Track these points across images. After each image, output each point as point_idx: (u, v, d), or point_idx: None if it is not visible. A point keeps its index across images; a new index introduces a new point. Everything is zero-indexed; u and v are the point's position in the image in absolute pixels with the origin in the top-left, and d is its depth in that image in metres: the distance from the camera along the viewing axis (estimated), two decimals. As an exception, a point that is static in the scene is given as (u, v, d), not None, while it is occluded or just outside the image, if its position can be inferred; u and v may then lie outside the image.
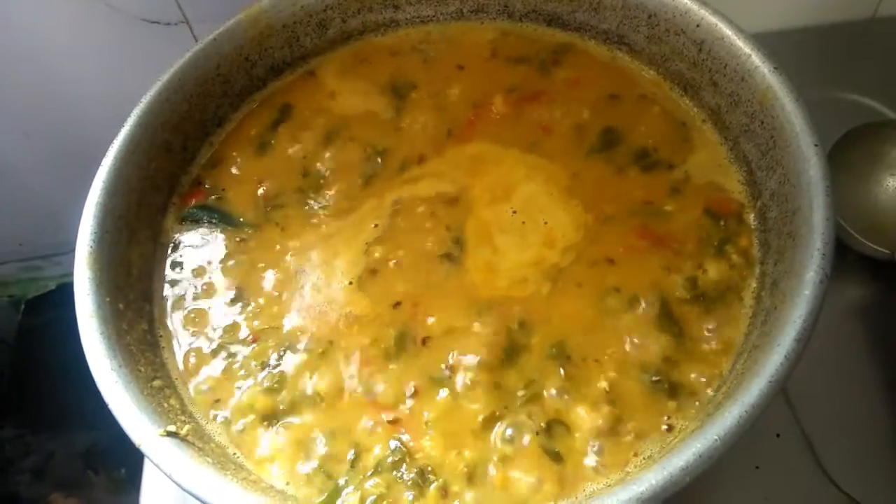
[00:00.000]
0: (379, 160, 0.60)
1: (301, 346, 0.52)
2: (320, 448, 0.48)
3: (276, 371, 0.51)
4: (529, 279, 0.53)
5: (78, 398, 0.53)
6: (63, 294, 0.50)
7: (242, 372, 0.51)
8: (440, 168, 0.59)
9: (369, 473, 0.46)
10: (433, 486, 0.46)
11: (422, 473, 0.46)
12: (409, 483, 0.46)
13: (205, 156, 0.62)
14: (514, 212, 0.56)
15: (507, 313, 0.51)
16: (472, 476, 0.46)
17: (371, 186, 0.59)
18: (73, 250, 0.51)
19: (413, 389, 0.49)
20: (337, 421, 0.49)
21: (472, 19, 0.67)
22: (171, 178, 0.60)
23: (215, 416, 0.50)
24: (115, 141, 0.55)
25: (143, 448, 0.43)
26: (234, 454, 0.48)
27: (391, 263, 0.54)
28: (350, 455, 0.47)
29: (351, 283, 0.54)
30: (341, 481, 0.46)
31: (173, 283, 0.56)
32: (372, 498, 0.45)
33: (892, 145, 0.70)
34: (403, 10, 0.66)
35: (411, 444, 0.47)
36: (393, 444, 0.47)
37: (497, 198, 0.57)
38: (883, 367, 0.63)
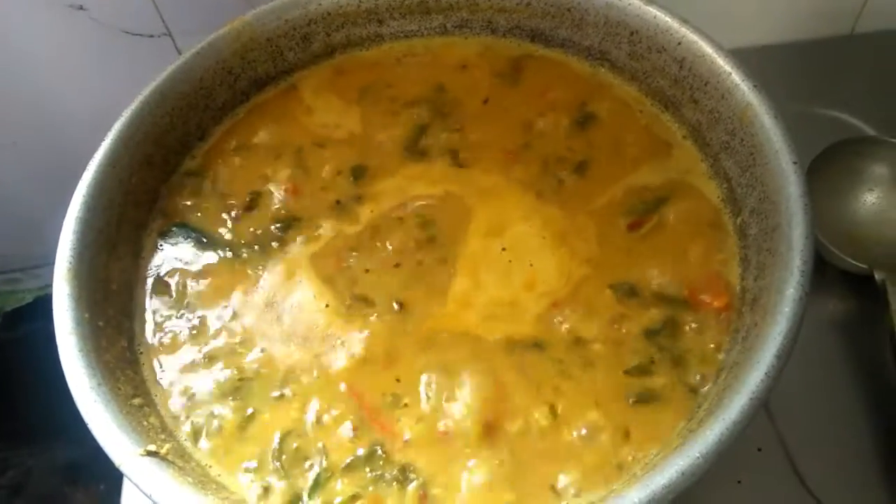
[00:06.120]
0: (353, 178, 0.60)
1: (279, 362, 0.51)
2: (295, 458, 0.48)
3: (252, 386, 0.51)
4: (501, 317, 0.52)
5: (57, 412, 0.52)
6: (41, 306, 0.49)
7: (220, 388, 0.51)
8: (427, 190, 0.59)
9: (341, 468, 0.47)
10: (413, 484, 0.46)
11: (403, 471, 0.46)
12: (389, 480, 0.46)
13: (186, 168, 0.62)
14: (504, 249, 0.55)
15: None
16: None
17: (348, 203, 0.58)
18: (52, 262, 0.50)
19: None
20: (313, 435, 0.49)
21: (456, 34, 0.67)
22: (151, 192, 0.59)
23: (193, 434, 0.49)
24: (95, 155, 0.55)
25: (124, 468, 0.43)
26: (217, 475, 0.48)
27: (365, 289, 0.54)
28: (319, 462, 0.47)
29: (328, 305, 0.54)
30: (304, 493, 0.46)
31: (153, 299, 0.55)
32: (338, 500, 0.46)
33: (871, 161, 0.71)
34: (387, 25, 0.66)
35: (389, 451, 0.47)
36: (369, 448, 0.47)
37: (490, 232, 0.56)
38: (863, 382, 0.64)
